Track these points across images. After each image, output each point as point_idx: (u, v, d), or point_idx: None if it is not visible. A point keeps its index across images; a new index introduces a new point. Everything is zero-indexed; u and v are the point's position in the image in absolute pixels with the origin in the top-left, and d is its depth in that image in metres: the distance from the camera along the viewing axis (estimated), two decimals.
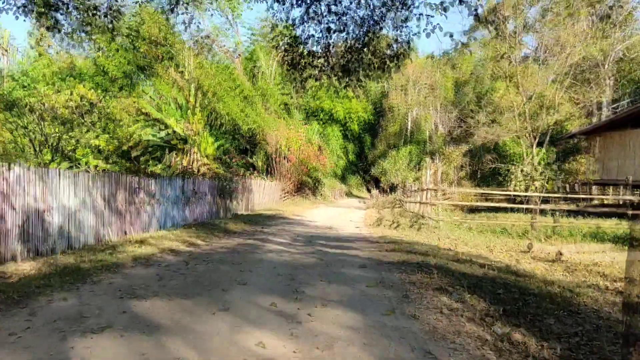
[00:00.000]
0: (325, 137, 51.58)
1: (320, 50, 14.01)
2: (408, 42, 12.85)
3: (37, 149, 33.83)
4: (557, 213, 14.31)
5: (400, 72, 61.46)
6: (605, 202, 23.11)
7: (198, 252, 10.15)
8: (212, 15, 58.26)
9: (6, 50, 56.48)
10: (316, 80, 13.84)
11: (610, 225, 14.49)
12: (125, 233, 13.47)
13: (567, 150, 36.17)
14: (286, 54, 13.94)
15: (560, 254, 9.46)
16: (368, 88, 71.43)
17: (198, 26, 51.02)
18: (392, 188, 38.66)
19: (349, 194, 55.91)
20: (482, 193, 19.30)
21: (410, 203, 25.09)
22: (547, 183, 18.18)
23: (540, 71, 59.89)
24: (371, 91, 70.00)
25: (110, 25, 11.08)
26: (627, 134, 22.60)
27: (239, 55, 52.70)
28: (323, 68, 13.90)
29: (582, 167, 29.53)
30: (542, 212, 17.04)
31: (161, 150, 32.71)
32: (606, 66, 32.72)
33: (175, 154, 30.68)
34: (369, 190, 68.05)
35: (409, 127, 55.55)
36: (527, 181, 18.29)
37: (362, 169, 67.37)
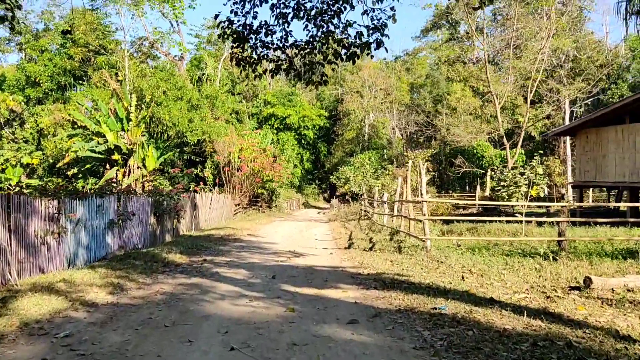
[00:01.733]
0: (280, 144, 48.81)
1: (276, 41, 11.32)
2: (384, 26, 10.45)
3: None
4: (575, 225, 12.04)
5: (356, 74, 59.68)
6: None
7: (123, 303, 7.18)
8: (151, 22, 54.60)
9: None
10: (272, 76, 11.12)
11: None
12: (43, 271, 10.33)
13: (533, 151, 34.92)
14: (234, 44, 11.18)
15: None
16: (322, 93, 69.32)
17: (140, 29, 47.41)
18: (354, 197, 36.27)
19: (307, 204, 53.20)
20: (465, 203, 17.13)
21: (379, 215, 22.61)
22: (531, 188, 16.12)
23: (496, 72, 59.54)
24: (325, 96, 67.86)
25: (9, 14, 8.15)
26: (605, 131, 20.97)
27: (182, 57, 49.27)
28: (280, 62, 11.23)
29: (556, 169, 28.10)
30: (540, 223, 14.93)
31: (101, 166, 29.53)
32: (563, 65, 31.52)
33: (117, 169, 27.52)
34: (326, 200, 65.63)
35: (366, 133, 53.53)
36: (510, 187, 16.18)
37: (318, 177, 64.92)
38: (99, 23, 45.39)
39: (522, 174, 15.73)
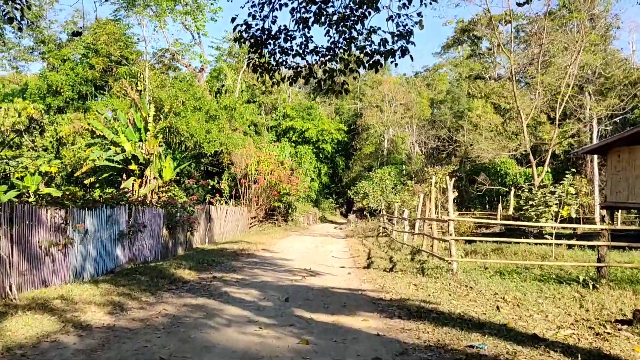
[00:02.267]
0: (298, 157, 48.23)
1: (296, 47, 10.72)
2: (410, 33, 9.82)
3: None
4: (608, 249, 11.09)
5: (376, 88, 59.09)
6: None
7: (120, 326, 6.50)
8: (172, 34, 54.67)
9: None
10: (291, 84, 10.50)
11: None
12: (46, 284, 9.77)
13: (557, 170, 33.78)
14: (252, 50, 10.62)
15: None
16: (340, 107, 68.85)
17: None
18: (372, 212, 35.37)
19: (323, 219, 52.38)
20: (488, 222, 16.13)
21: (398, 232, 21.73)
22: (561, 208, 15.17)
23: (519, 89, 58.41)
24: (344, 110, 67.36)
25: (18, 14, 7.68)
26: (638, 150, 19.90)
27: (202, 69, 49.18)
28: (300, 69, 10.61)
29: (583, 189, 26.90)
30: (571, 246, 13.98)
31: (118, 176, 29.37)
32: (591, 81, 30.31)
33: (134, 179, 27.25)
34: (343, 214, 64.74)
35: (385, 148, 52.72)
36: (540, 207, 15.24)
37: (335, 191, 64.13)
38: (121, 34, 45.54)
39: (552, 192, 14.79)
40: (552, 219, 15.04)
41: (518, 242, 16.25)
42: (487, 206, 41.69)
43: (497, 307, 7.08)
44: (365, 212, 38.08)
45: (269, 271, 12.14)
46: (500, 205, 34.43)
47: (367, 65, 10.27)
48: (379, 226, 27.03)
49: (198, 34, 51.34)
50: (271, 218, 36.10)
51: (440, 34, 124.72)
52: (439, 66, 75.35)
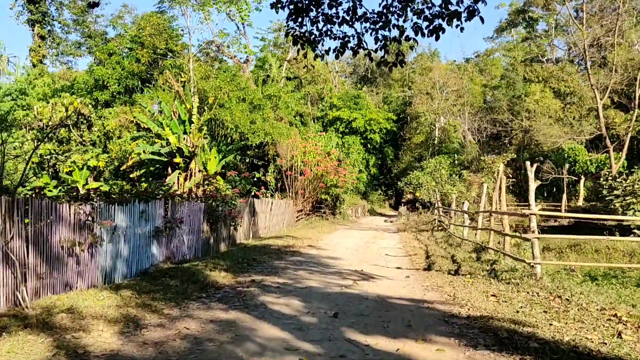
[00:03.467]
0: (345, 148, 46.58)
1: (342, 14, 9.07)
2: None
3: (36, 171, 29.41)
4: None
5: (426, 75, 56.64)
6: None
7: (125, 354, 5.18)
8: (216, 24, 53.94)
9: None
10: (337, 56, 8.93)
11: None
12: (70, 288, 8.75)
13: (628, 157, 30.68)
14: (291, 18, 9.15)
15: None
16: (388, 96, 66.66)
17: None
18: (425, 205, 33.39)
19: (372, 212, 50.62)
20: (583, 218, 13.99)
21: (457, 226, 19.86)
22: None
23: (580, 72, 54.51)
24: (392, 99, 65.23)
25: None
26: None
27: (247, 60, 48.22)
28: (347, 39, 8.98)
29: None
30: None
31: (164, 169, 28.93)
32: None
33: (179, 172, 26.61)
34: (392, 207, 62.70)
35: (436, 137, 50.34)
36: (627, 197, 13.11)
37: (384, 183, 62.14)
38: (165, 25, 45.11)
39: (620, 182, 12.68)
40: (621, 212, 12.91)
41: (599, 238, 14.14)
42: (549, 197, 38.89)
43: (619, 333, 5.32)
44: (417, 204, 36.14)
45: (315, 273, 10.66)
46: (564, 196, 31.73)
47: (426, 31, 8.66)
48: (434, 219, 25.14)
49: (242, 24, 50.49)
50: (318, 211, 34.76)
51: (493, 18, 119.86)
52: (491, 51, 71.93)
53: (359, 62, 75.81)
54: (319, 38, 9.11)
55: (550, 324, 5.68)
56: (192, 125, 27.82)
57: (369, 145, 52.50)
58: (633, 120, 21.98)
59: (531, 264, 8.57)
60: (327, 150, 34.36)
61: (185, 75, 40.52)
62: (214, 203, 17.30)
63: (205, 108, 33.33)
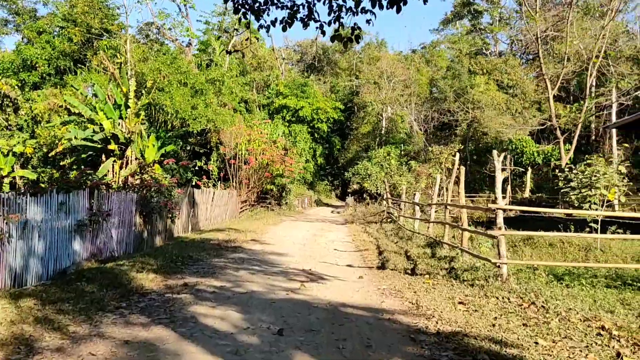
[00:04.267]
0: (292, 137, 45.35)
1: None
2: None
3: None
4: None
5: (373, 64, 56.12)
6: None
7: None
8: (156, 3, 50.99)
9: None
10: (284, 28, 7.81)
11: None
12: None
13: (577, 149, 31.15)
14: None
15: None
16: (336, 85, 65.87)
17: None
18: (373, 195, 32.77)
19: (319, 202, 49.77)
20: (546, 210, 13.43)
21: (407, 218, 19.19)
22: (608, 191, 12.68)
23: (524, 65, 55.61)
24: (339, 88, 64.52)
25: None
26: None
27: (190, 44, 45.99)
28: (296, 7, 7.80)
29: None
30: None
31: (97, 156, 26.91)
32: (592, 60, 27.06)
33: (114, 160, 24.70)
34: (338, 197, 62.16)
35: (383, 127, 49.97)
36: (583, 190, 12.72)
37: (330, 173, 61.47)
38: (100, 3, 42.19)
39: (601, 172, 12.29)
40: (599, 204, 12.51)
41: (570, 235, 13.67)
42: (493, 188, 39.18)
43: (618, 354, 4.50)
44: (364, 195, 35.52)
45: (257, 274, 9.51)
46: (509, 187, 31.91)
47: (385, 2, 7.68)
48: (382, 211, 24.48)
49: (185, 6, 48.07)
50: (263, 202, 33.49)
51: (439, 11, 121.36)
52: (437, 43, 72.47)
53: (307, 49, 74.61)
54: (264, 7, 7.96)
55: (536, 343, 4.81)
56: (129, 110, 26.26)
57: (316, 135, 51.54)
58: (584, 111, 21.98)
59: (497, 264, 7.79)
60: (273, 139, 33.08)
61: (122, 57, 38.00)
62: (148, 193, 15.86)
63: (143, 92, 31.37)
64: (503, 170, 13.74)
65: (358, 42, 8.24)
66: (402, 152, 44.26)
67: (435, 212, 18.65)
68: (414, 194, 17.93)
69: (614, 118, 28.53)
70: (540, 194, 27.65)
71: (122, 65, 37.01)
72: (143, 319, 6.18)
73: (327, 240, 16.59)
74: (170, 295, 7.50)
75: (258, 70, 55.61)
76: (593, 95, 21.88)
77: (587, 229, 12.10)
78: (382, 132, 49.70)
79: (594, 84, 22.55)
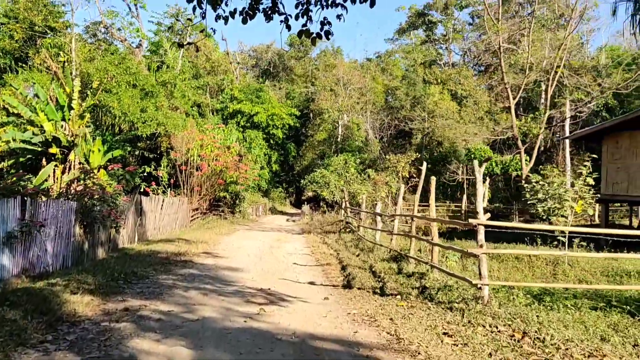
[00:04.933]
0: (247, 143, 44.12)
1: None
2: None
3: None
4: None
5: (330, 72, 55.72)
6: None
7: None
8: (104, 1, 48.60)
9: None
10: (245, 20, 6.89)
11: None
12: None
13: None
14: None
15: None
16: (291, 91, 65.09)
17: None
18: (330, 204, 32.05)
19: (273, 210, 48.68)
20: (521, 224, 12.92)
21: (367, 229, 18.51)
22: (575, 203, 12.39)
23: (477, 75, 56.58)
24: (295, 95, 63.80)
25: None
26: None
27: (140, 45, 44.13)
28: None
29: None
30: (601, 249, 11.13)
31: (38, 161, 25.09)
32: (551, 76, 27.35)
33: (55, 164, 22.99)
34: (293, 205, 61.19)
35: (340, 134, 49.49)
36: (548, 202, 12.37)
37: (285, 180, 60.47)
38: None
39: (572, 184, 11.94)
40: (566, 217, 12.18)
41: (556, 254, 13.30)
42: (446, 198, 39.33)
43: None
44: (321, 203, 34.75)
45: (210, 294, 8.50)
46: (465, 197, 31.90)
47: None
48: (341, 220, 23.75)
49: (135, 5, 46.13)
50: (216, 210, 32.21)
51: (393, 20, 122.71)
52: (392, 52, 72.99)
53: (262, 55, 73.54)
54: None
55: None
56: (73, 111, 24.77)
57: (271, 141, 50.50)
58: (543, 121, 21.97)
59: (478, 285, 7.11)
60: (227, 144, 31.88)
61: (66, 55, 35.90)
62: (90, 201, 14.56)
63: (89, 93, 29.73)
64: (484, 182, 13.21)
65: (328, 39, 7.46)
66: (357, 160, 43.89)
67: (391, 221, 18.15)
68: (375, 204, 17.27)
69: (567, 129, 29.00)
70: (497, 204, 27.72)
71: (66, 64, 34.99)
72: (71, 357, 5.11)
73: (285, 252, 15.68)
74: (107, 324, 6.42)
75: (212, 74, 54.15)
76: (547, 106, 22.01)
77: (555, 242, 11.72)
78: (338, 139, 49.21)
79: (551, 94, 22.68)
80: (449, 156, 41.39)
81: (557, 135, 29.51)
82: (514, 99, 22.73)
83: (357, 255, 14.05)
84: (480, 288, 7.09)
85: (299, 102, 61.48)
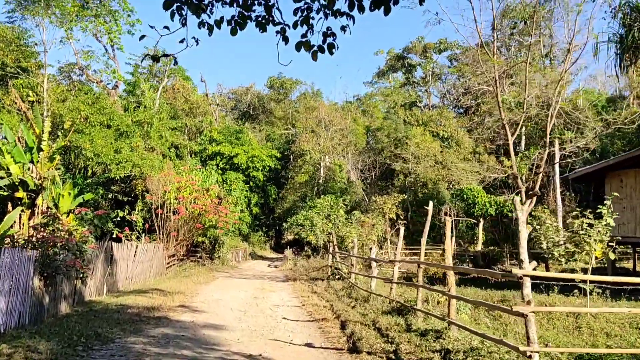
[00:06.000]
0: (227, 185, 42.61)
1: None
2: None
3: None
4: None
5: (310, 113, 55.13)
6: None
7: None
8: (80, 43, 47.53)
9: None
10: (234, 31, 5.52)
11: None
12: None
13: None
14: None
15: None
16: (272, 133, 64.30)
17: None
18: (314, 248, 30.51)
19: (253, 255, 46.77)
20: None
21: (362, 276, 17.06)
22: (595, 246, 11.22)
23: (458, 117, 56.68)
24: (275, 137, 63.03)
25: None
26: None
27: (116, 86, 42.86)
28: (250, 2, 5.50)
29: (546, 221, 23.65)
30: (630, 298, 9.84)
31: (3, 205, 23.48)
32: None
33: (22, 209, 21.27)
34: (272, 249, 59.25)
35: (321, 176, 48.40)
36: (563, 246, 11.19)
37: (265, 224, 58.73)
38: (15, 36, 38.57)
39: (590, 225, 10.80)
40: (589, 262, 10.98)
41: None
42: (429, 239, 38.11)
43: None
44: (305, 247, 33.15)
45: None
46: (452, 240, 30.64)
47: (368, 2, 5.92)
48: (327, 265, 22.26)
49: (112, 47, 45.13)
50: (194, 255, 30.37)
51: (373, 64, 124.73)
52: (372, 95, 73.29)
53: (241, 97, 73.02)
54: (208, 2, 5.92)
55: None
56: (42, 153, 23.36)
57: (251, 183, 49.11)
58: (544, 159, 21.08)
59: (527, 354, 5.71)
60: (205, 187, 30.37)
61: (37, 95, 34.40)
62: (52, 250, 12.99)
63: (60, 134, 28.31)
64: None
65: (332, 53, 6.28)
66: (344, 202, 42.71)
67: (378, 266, 16.83)
68: (370, 248, 15.90)
69: (557, 169, 28.36)
70: (492, 247, 26.63)
71: (37, 104, 33.50)
72: None
73: (271, 303, 14.09)
74: None
75: (190, 116, 53.02)
76: (547, 143, 21.27)
77: (576, 291, 10.47)
78: (320, 181, 48.08)
79: (551, 131, 22.15)
80: (432, 198, 40.50)
81: (549, 175, 28.85)
82: (512, 134, 21.89)
83: (353, 307, 12.57)
84: (530, 357, 5.70)
85: (279, 145, 60.62)
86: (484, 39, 24.54)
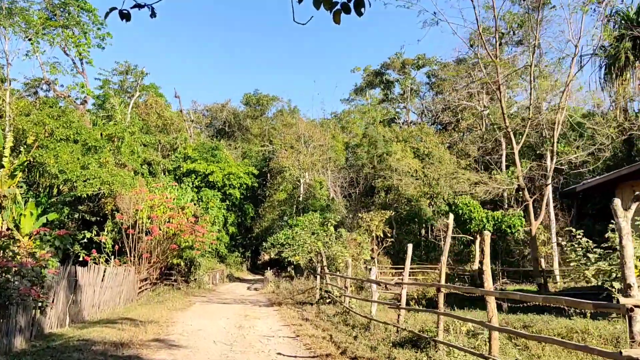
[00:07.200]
0: (204, 203, 40.60)
1: None
2: None
3: None
4: None
5: (288, 128, 53.73)
6: None
7: None
8: (49, 58, 44.96)
9: None
10: None
11: None
12: None
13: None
14: None
15: None
16: (248, 150, 62.63)
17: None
18: (298, 268, 28.74)
19: (231, 277, 44.60)
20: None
21: (358, 299, 15.42)
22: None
23: (437, 135, 55.93)
24: (252, 154, 61.32)
25: None
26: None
27: (85, 101, 40.64)
28: None
29: (541, 237, 22.60)
30: None
31: None
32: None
33: None
34: (250, 270, 57.06)
35: (301, 193, 46.74)
36: (601, 264, 9.87)
37: (241, 244, 56.57)
38: None
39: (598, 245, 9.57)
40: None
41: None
42: (415, 257, 36.77)
43: None
44: (288, 268, 31.32)
45: None
46: (443, 258, 29.23)
47: None
48: (314, 287, 20.54)
49: (81, 61, 43.01)
50: (168, 278, 28.25)
51: (349, 81, 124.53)
52: (349, 112, 72.39)
53: (216, 114, 71.27)
54: None
55: None
56: (2, 170, 21.82)
57: (228, 202, 47.14)
58: (550, 169, 19.91)
59: None
60: (181, 205, 28.43)
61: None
62: (3, 277, 11.13)
63: (23, 149, 26.27)
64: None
65: (360, 14, 4.80)
66: (323, 220, 41.11)
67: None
68: (369, 269, 14.32)
69: (549, 182, 27.43)
70: (491, 266, 25.27)
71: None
72: None
73: (260, 334, 12.31)
74: None
75: (164, 133, 51.00)
76: (555, 152, 20.23)
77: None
78: (300, 198, 46.41)
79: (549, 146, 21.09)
80: (416, 215, 39.35)
81: (542, 189, 27.92)
82: (517, 144, 20.71)
83: (355, 337, 10.92)
84: None
85: (256, 162, 58.97)
86: (479, 43, 23.62)
